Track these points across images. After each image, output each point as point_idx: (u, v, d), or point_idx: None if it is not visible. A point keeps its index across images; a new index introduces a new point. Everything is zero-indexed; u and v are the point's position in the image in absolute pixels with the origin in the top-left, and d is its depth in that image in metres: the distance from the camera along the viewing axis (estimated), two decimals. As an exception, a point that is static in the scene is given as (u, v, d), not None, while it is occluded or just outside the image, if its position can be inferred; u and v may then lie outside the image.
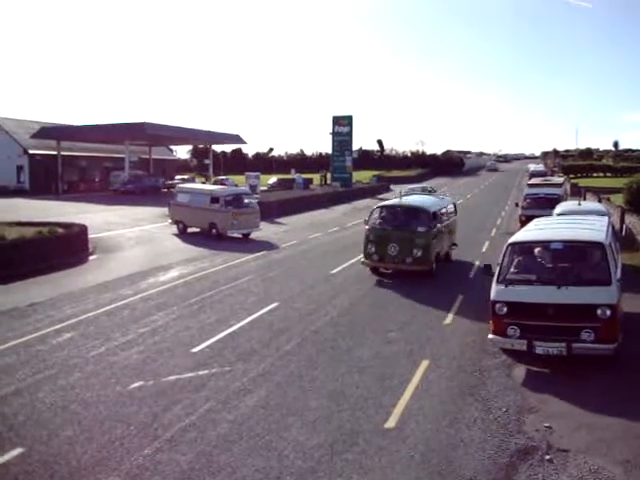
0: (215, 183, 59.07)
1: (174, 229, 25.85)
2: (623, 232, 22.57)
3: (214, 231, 23.88)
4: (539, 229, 10.99)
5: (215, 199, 24.10)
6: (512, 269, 9.52)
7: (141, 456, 6.50)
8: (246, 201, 24.95)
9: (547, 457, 6.32)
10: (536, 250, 9.98)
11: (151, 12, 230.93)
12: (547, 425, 7.06)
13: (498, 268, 9.38)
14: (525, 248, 10.01)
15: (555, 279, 8.95)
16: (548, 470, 6.10)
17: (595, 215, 15.20)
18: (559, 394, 7.96)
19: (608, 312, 8.30)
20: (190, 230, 25.34)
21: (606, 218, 12.06)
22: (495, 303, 8.95)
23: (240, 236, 24.24)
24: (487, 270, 9.83)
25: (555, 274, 9.26)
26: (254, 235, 24.40)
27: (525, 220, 22.14)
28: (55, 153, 51.75)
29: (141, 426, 7.22)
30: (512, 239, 9.98)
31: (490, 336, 9.13)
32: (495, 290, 9.08)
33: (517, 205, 24.25)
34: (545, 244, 9.84)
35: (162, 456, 6.51)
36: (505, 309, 8.84)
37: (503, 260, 9.48)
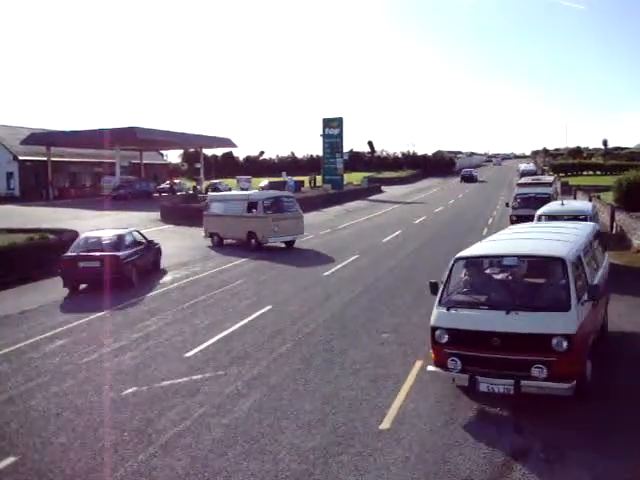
0: (208, 188, 58.89)
1: (168, 233, 25.77)
2: (613, 230, 22.72)
3: (253, 241, 21.53)
4: (498, 240, 9.54)
5: (253, 204, 21.84)
6: (457, 289, 8.21)
7: (136, 462, 6.47)
8: (288, 205, 22.48)
9: (541, 455, 6.34)
10: (487, 266, 8.56)
11: (141, 18, 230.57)
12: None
13: (441, 287, 8.01)
14: (474, 264, 8.54)
15: (504, 302, 7.53)
16: (543, 469, 6.12)
17: (580, 216, 15.21)
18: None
19: (565, 344, 6.87)
20: (227, 242, 23.23)
21: (586, 225, 10.84)
22: (435, 329, 7.64)
23: (283, 245, 22.11)
24: (433, 288, 8.10)
25: (505, 296, 7.80)
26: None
27: (516, 220, 22.21)
28: (45, 159, 51.51)
29: (135, 432, 7.19)
30: (460, 253, 8.52)
31: (429, 368, 7.84)
32: (435, 314, 7.77)
33: (507, 205, 24.33)
34: (497, 259, 8.37)
35: (157, 462, 6.48)
36: (446, 337, 7.51)
37: (448, 278, 8.10)
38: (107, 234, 16.65)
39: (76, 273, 15.24)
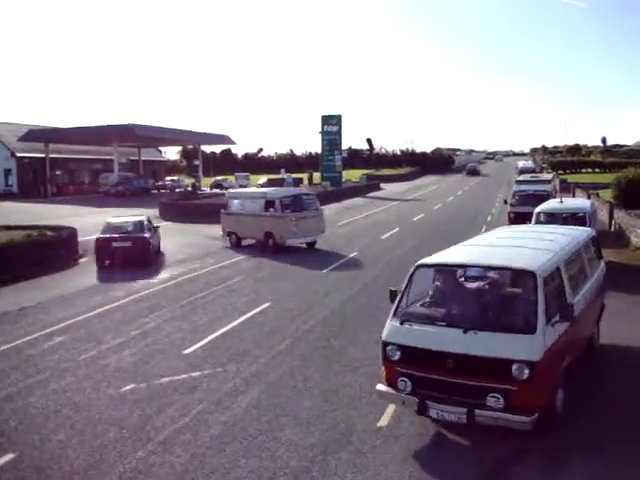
0: (212, 185, 58.64)
1: (166, 230, 25.72)
2: (612, 228, 22.74)
3: (271, 242, 20.29)
4: (470, 246, 8.56)
5: (270, 203, 20.53)
6: (416, 300, 7.48)
7: (134, 459, 6.48)
8: (307, 203, 21.16)
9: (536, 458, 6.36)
10: (450, 277, 7.56)
11: (139, 15, 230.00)
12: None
13: (398, 297, 7.25)
14: (436, 272, 7.69)
15: (463, 319, 6.68)
16: (540, 466, 6.15)
17: (579, 213, 15.21)
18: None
19: (526, 372, 5.99)
20: (245, 242, 22.12)
21: (578, 231, 9.71)
22: (386, 345, 6.87)
23: (304, 245, 20.89)
24: (392, 297, 7.39)
25: (465, 312, 6.92)
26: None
27: (514, 217, 22.25)
28: (43, 156, 51.45)
29: (134, 429, 7.19)
30: (422, 259, 7.61)
31: (378, 387, 7.02)
32: (387, 328, 6.99)
33: (506, 202, 24.34)
34: (461, 269, 7.35)
35: (155, 458, 6.49)
36: (398, 354, 6.76)
37: (406, 287, 7.30)
38: (129, 219, 19.91)
39: (109, 252, 18.02)
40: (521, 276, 6.96)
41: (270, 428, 7.11)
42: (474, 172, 79.05)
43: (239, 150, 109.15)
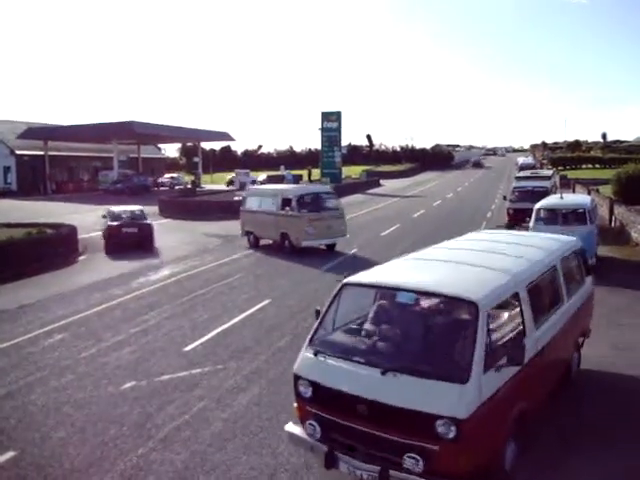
0: (229, 182, 57.40)
1: (166, 227, 25.70)
2: (612, 223, 22.73)
3: (287, 243, 19.17)
4: (414, 260, 7.12)
5: (286, 201, 19.18)
6: (337, 326, 6.27)
7: (135, 456, 6.48)
8: (327, 202, 19.78)
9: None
10: (379, 300, 6.42)
11: (139, 12, 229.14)
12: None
13: (317, 322, 6.19)
14: (363, 294, 6.50)
15: (383, 357, 5.52)
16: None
17: (579, 209, 15.18)
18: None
19: (452, 430, 4.84)
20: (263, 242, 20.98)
21: (560, 242, 8.24)
22: (297, 378, 5.84)
23: (324, 247, 19.60)
24: (318, 317, 6.31)
25: (387, 348, 5.74)
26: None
27: (513, 213, 22.27)
28: (42, 153, 51.38)
29: (134, 426, 7.19)
30: (350, 277, 6.37)
31: (287, 427, 5.96)
32: (300, 358, 5.96)
33: (505, 198, 24.32)
34: (391, 292, 6.12)
35: (156, 456, 6.49)
36: (309, 391, 5.70)
37: (328, 309, 6.15)
38: (131, 209, 22.21)
39: (120, 236, 20.60)
40: (459, 307, 5.65)
41: (271, 425, 7.10)
42: (478, 164, 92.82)
43: (239, 147, 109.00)
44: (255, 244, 20.80)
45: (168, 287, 14.89)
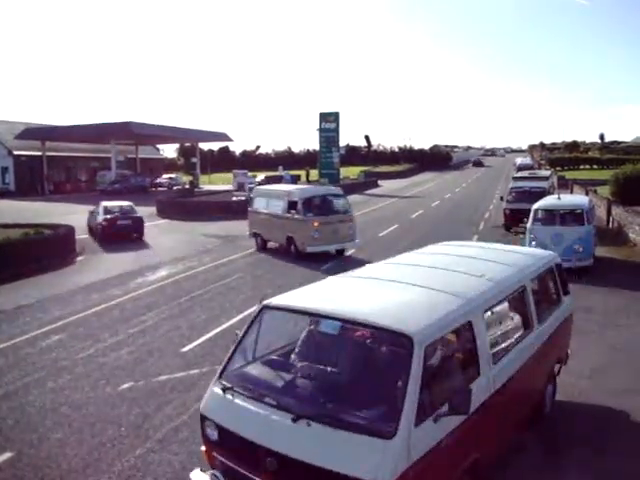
0: (239, 185, 53.48)
1: (164, 228, 25.68)
2: (610, 224, 22.76)
3: (292, 248, 18.21)
4: (353, 278, 6.14)
5: (292, 203, 18.15)
6: (259, 356, 5.41)
7: (133, 457, 6.47)
8: (336, 205, 18.73)
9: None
10: (310, 326, 5.42)
11: (138, 12, 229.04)
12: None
13: (230, 351, 5.35)
14: (284, 319, 5.45)
15: (298, 401, 4.62)
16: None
17: (577, 209, 15.18)
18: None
19: None
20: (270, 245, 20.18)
21: (534, 257, 7.29)
22: (203, 419, 5.12)
23: (333, 252, 18.46)
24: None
25: (302, 390, 4.86)
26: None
27: (510, 213, 22.29)
28: (40, 154, 51.31)
29: (132, 427, 7.18)
30: (271, 299, 5.42)
31: (192, 474, 5.12)
32: (208, 394, 5.18)
33: (502, 199, 24.33)
34: (315, 318, 5.21)
35: (154, 456, 6.48)
36: (215, 434, 4.97)
37: (244, 336, 5.33)
38: (120, 204, 24.28)
39: (114, 228, 22.68)
40: (391, 341, 4.65)
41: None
42: (479, 163, 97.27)
43: (237, 147, 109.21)
44: (263, 246, 20.09)
45: (166, 288, 14.88)
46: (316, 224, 17.52)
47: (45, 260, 17.62)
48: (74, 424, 7.33)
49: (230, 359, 5.25)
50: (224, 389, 4.96)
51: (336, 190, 20.19)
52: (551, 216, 15.31)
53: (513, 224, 22.00)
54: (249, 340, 5.32)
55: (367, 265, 6.92)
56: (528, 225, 15.43)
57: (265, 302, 5.35)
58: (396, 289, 5.48)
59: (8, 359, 9.75)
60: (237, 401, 4.82)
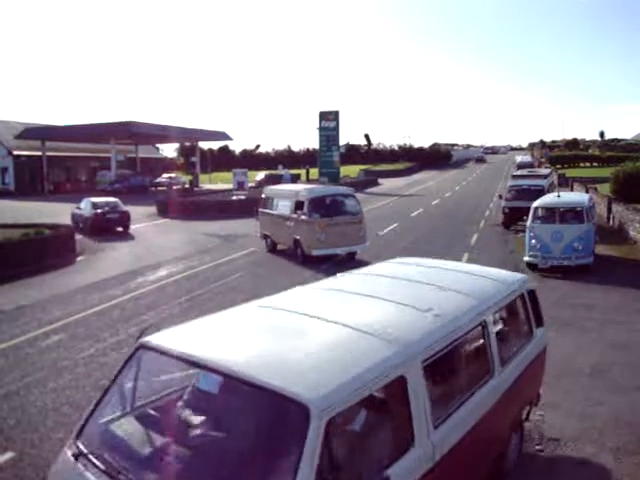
0: (262, 183, 43.91)
1: (164, 227, 25.68)
2: (610, 222, 22.77)
3: (299, 251, 17.40)
4: (271, 310, 4.93)
5: (299, 204, 17.25)
6: (126, 411, 4.28)
7: (133, 457, 6.45)
8: (345, 206, 17.83)
9: (538, 447, 6.34)
10: (179, 377, 4.50)
11: (137, 12, 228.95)
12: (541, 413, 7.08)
13: (97, 399, 4.34)
14: (160, 364, 4.32)
15: (140, 473, 3.59)
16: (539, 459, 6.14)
17: (577, 207, 15.14)
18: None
19: None
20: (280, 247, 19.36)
21: (502, 286, 5.64)
22: None
23: (342, 254, 17.36)
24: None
25: (168, 466, 3.63)
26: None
27: (508, 212, 22.29)
28: (40, 154, 51.31)
29: (133, 427, 7.17)
30: (150, 336, 4.36)
31: None
32: (58, 459, 4.22)
33: (501, 197, 24.32)
34: (193, 367, 4.03)
35: (155, 456, 6.46)
36: None
37: (115, 381, 4.33)
38: (107, 200, 26.73)
39: (104, 221, 25.06)
40: (284, 407, 3.37)
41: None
42: (481, 160, 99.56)
43: (237, 146, 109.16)
44: (272, 248, 19.42)
45: (166, 287, 14.88)
46: (322, 226, 16.70)
47: (45, 260, 17.62)
48: (75, 424, 7.33)
49: (93, 411, 4.09)
50: (76, 455, 3.81)
51: (346, 190, 19.28)
52: (551, 214, 15.31)
53: (512, 222, 22.01)
54: (123, 386, 4.23)
55: (286, 291, 5.63)
56: (528, 223, 15.43)
57: (142, 340, 4.26)
58: (311, 327, 4.26)
59: (9, 359, 9.75)
60: (88, 474, 3.62)
